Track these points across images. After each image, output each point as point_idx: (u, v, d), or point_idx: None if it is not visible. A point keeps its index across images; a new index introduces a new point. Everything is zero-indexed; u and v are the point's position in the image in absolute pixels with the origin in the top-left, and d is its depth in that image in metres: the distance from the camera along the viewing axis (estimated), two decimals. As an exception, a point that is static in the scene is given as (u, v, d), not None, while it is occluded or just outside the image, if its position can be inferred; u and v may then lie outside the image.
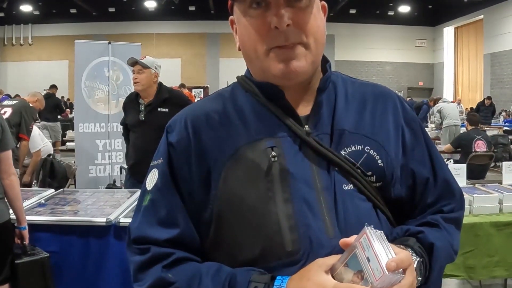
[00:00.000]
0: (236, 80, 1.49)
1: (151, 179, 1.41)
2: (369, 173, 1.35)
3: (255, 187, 1.29)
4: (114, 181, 7.21)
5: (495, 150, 9.37)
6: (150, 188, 1.40)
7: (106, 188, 6.63)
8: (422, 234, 1.35)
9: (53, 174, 6.77)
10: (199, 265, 1.31)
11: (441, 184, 1.46)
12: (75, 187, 7.15)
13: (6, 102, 6.79)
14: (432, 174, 1.45)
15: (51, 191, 5.14)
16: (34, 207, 4.41)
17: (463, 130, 12.73)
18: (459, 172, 4.81)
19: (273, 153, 1.30)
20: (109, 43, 7.52)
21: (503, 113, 20.16)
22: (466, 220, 4.05)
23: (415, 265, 1.24)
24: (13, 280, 3.74)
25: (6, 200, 3.66)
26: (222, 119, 1.38)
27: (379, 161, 1.36)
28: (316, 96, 1.39)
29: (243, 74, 1.48)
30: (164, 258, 1.32)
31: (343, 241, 1.15)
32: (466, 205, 4.17)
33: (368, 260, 1.08)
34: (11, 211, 3.70)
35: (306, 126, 1.35)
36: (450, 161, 8.76)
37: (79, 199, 4.94)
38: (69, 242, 4.03)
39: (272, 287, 1.19)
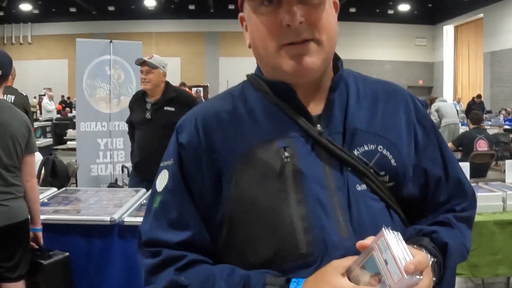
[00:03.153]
0: (246, 78, 1.47)
1: (161, 180, 1.38)
2: (382, 172, 1.33)
3: (268, 188, 1.27)
4: (116, 180, 7.20)
5: (496, 148, 9.37)
6: (160, 190, 1.38)
7: (108, 187, 6.62)
8: (436, 234, 1.34)
9: (55, 173, 6.76)
10: (212, 267, 1.30)
11: (453, 183, 1.45)
12: (77, 186, 7.14)
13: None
14: (444, 173, 1.44)
15: (53, 190, 5.14)
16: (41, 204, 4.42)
17: (463, 128, 12.75)
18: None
19: (286, 154, 1.28)
20: (111, 41, 7.50)
21: (503, 112, 20.15)
22: (469, 218, 4.05)
23: (429, 266, 1.23)
24: (28, 278, 3.80)
25: (24, 200, 3.74)
26: (232, 118, 1.36)
27: (392, 161, 1.35)
28: (328, 94, 1.37)
29: (253, 72, 1.46)
30: (176, 261, 1.30)
31: (360, 243, 1.14)
32: (469, 204, 4.19)
33: (386, 263, 1.07)
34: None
35: (318, 125, 1.33)
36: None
37: (82, 198, 4.94)
38: (73, 241, 4.03)
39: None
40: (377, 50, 31.16)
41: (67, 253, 3.91)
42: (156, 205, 1.38)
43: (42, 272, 3.79)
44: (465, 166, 4.86)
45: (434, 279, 1.26)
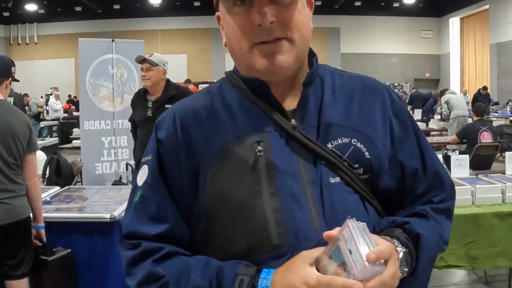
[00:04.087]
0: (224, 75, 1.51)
1: (142, 175, 1.43)
2: (356, 165, 1.35)
3: (242, 182, 1.30)
4: (120, 178, 7.24)
5: (501, 140, 9.36)
6: (140, 184, 1.42)
7: (112, 184, 6.67)
8: (408, 225, 1.35)
9: (59, 172, 6.81)
10: (189, 259, 1.33)
11: (430, 175, 1.47)
12: (82, 185, 7.18)
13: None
14: (421, 166, 1.46)
15: (56, 188, 5.18)
16: (43, 202, 4.46)
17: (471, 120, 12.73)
18: (462, 163, 4.82)
19: (259, 148, 1.31)
20: (113, 40, 7.53)
21: (510, 103, 20.08)
22: (468, 210, 4.07)
23: (401, 256, 1.26)
24: (33, 275, 3.87)
25: (26, 199, 3.80)
26: (210, 114, 1.39)
27: (366, 154, 1.36)
28: (302, 90, 1.40)
29: (231, 70, 1.49)
30: (154, 252, 1.34)
31: (326, 233, 1.17)
32: (469, 196, 4.20)
33: (350, 252, 1.09)
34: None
35: (293, 120, 1.36)
36: (455, 152, 8.76)
37: (84, 196, 4.97)
38: (74, 238, 4.08)
39: (258, 280, 1.20)
40: (383, 44, 31.09)
41: (70, 250, 3.98)
42: (136, 199, 1.42)
43: (46, 269, 3.86)
44: (464, 159, 4.88)
45: (407, 269, 1.28)
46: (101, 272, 4.07)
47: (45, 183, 6.65)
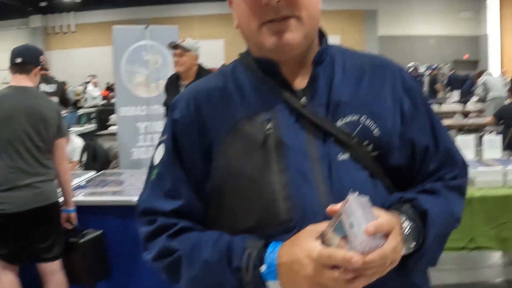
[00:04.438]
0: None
1: (158, 154, 1.48)
2: (365, 142, 1.38)
3: (252, 159, 1.35)
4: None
5: (538, 121, 9.19)
6: (156, 163, 1.48)
7: (148, 169, 6.75)
8: (416, 201, 1.37)
9: (95, 158, 6.94)
10: (201, 233, 1.39)
11: (442, 153, 1.48)
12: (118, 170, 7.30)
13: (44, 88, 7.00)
14: (433, 143, 1.47)
15: (92, 173, 5.28)
16: (74, 189, 4.56)
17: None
18: (494, 143, 4.78)
19: (269, 126, 1.35)
20: (146, 27, 7.60)
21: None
22: (499, 192, 4.05)
23: (406, 231, 1.29)
24: (65, 257, 3.98)
25: (56, 183, 3.91)
26: (222, 95, 1.44)
27: (375, 131, 1.39)
28: (312, 69, 1.43)
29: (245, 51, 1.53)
30: (169, 228, 1.40)
31: (330, 208, 1.20)
32: (500, 177, 4.17)
33: (351, 226, 1.12)
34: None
35: (303, 98, 1.39)
36: (492, 133, 8.65)
37: (119, 180, 5.08)
38: (108, 221, 4.18)
39: (265, 253, 1.25)
40: (421, 26, 30.61)
41: (101, 231, 4.08)
42: (153, 177, 1.48)
43: (77, 251, 3.97)
44: (496, 140, 4.84)
45: (412, 245, 1.31)
46: (135, 255, 4.15)
47: (81, 168, 6.79)
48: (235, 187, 1.36)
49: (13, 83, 3.93)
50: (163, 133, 1.51)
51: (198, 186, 1.42)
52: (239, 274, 1.27)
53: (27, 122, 3.77)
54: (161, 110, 6.86)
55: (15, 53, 3.98)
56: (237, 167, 1.36)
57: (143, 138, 7.54)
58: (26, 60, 3.96)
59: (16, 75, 3.94)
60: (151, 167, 1.51)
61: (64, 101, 7.53)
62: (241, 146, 1.37)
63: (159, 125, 7.44)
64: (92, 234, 4.06)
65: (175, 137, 1.45)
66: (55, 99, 6.84)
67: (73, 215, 4.03)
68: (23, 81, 3.91)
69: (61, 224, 3.96)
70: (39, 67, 4.01)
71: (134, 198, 4.04)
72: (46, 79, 7.14)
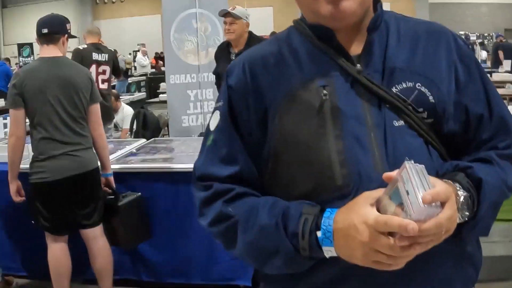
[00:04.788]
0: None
1: (214, 120, 1.49)
2: (420, 109, 1.37)
3: (308, 125, 1.35)
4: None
5: None
6: (212, 129, 1.49)
7: (198, 136, 6.80)
8: (470, 169, 1.36)
9: (146, 126, 7.02)
10: (257, 199, 1.40)
11: (496, 120, 1.45)
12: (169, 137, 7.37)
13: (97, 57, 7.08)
14: (487, 111, 1.45)
15: (142, 141, 5.35)
16: (126, 156, 4.63)
17: None
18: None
19: (325, 92, 1.35)
20: (196, -5, 7.61)
21: None
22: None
23: (462, 200, 1.28)
24: (106, 221, 4.08)
25: (93, 150, 3.99)
26: (277, 61, 1.44)
27: (430, 98, 1.37)
28: (367, 35, 1.41)
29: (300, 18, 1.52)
30: (225, 193, 1.42)
31: (386, 175, 1.20)
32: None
33: (408, 193, 1.12)
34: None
35: (358, 65, 1.38)
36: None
37: (170, 147, 5.13)
38: (159, 188, 4.23)
39: (321, 219, 1.26)
40: (473, -8, 29.97)
41: (139, 194, 4.17)
42: (209, 143, 1.50)
43: (117, 214, 4.06)
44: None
45: (467, 213, 1.30)
46: (183, 221, 4.24)
47: (132, 136, 6.88)
48: (291, 153, 1.37)
49: (42, 55, 3.98)
50: (219, 99, 1.51)
51: (253, 152, 1.43)
52: (295, 239, 1.28)
53: (59, 93, 3.82)
54: (211, 78, 6.89)
55: (41, 24, 4.00)
56: (293, 133, 1.36)
57: (193, 105, 7.57)
58: (53, 29, 3.98)
59: (44, 46, 3.99)
60: (207, 133, 1.52)
61: (116, 70, 7.60)
62: (297, 112, 1.37)
63: (209, 93, 7.48)
64: (131, 197, 4.13)
65: (231, 104, 1.46)
66: (107, 68, 6.96)
67: (111, 178, 4.11)
68: (52, 51, 3.95)
69: (100, 189, 4.05)
70: (66, 36, 4.03)
71: (184, 165, 4.13)
72: (99, 48, 7.22)
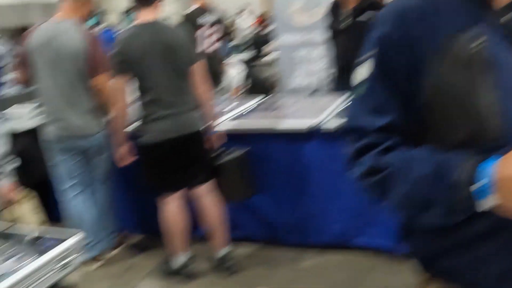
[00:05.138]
0: None
1: (363, 71, 1.46)
2: None
3: (462, 76, 1.31)
4: (316, 90, 7.30)
5: None
6: (362, 80, 1.46)
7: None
8: None
9: (255, 86, 7.04)
10: (411, 150, 1.37)
11: None
12: (278, 96, 7.37)
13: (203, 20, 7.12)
14: None
15: (257, 98, 5.34)
16: (241, 114, 4.67)
17: None
18: None
19: (477, 42, 1.30)
20: (305, -48, 7.48)
21: None
22: None
23: None
24: (214, 178, 4.15)
25: (198, 112, 4.03)
26: (429, 10, 1.39)
27: None
28: None
29: None
30: (377, 145, 1.39)
31: None
32: None
33: None
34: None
35: (508, 15, 1.33)
36: None
37: (283, 106, 5.12)
38: (274, 146, 4.25)
39: (480, 169, 1.21)
40: None
41: (246, 149, 4.19)
42: (358, 94, 1.47)
43: (223, 170, 4.11)
44: None
45: None
46: (301, 179, 4.26)
47: (243, 94, 6.92)
48: (445, 104, 1.33)
49: (139, 20, 3.98)
50: (367, 49, 1.47)
51: (405, 102, 1.40)
52: (451, 190, 1.25)
53: (161, 55, 3.85)
54: (320, 37, 6.78)
55: None
56: (446, 83, 1.32)
57: (302, 65, 7.50)
58: None
59: (140, 11, 3.98)
60: (356, 85, 1.49)
61: (222, 33, 7.62)
62: (450, 63, 1.32)
63: (318, 52, 7.37)
64: (237, 152, 4.16)
65: (382, 54, 1.42)
66: (214, 31, 6.97)
67: (217, 135, 4.15)
68: (148, 14, 3.94)
69: (204, 149, 4.10)
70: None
71: (299, 123, 4.12)
72: (205, 11, 7.24)
